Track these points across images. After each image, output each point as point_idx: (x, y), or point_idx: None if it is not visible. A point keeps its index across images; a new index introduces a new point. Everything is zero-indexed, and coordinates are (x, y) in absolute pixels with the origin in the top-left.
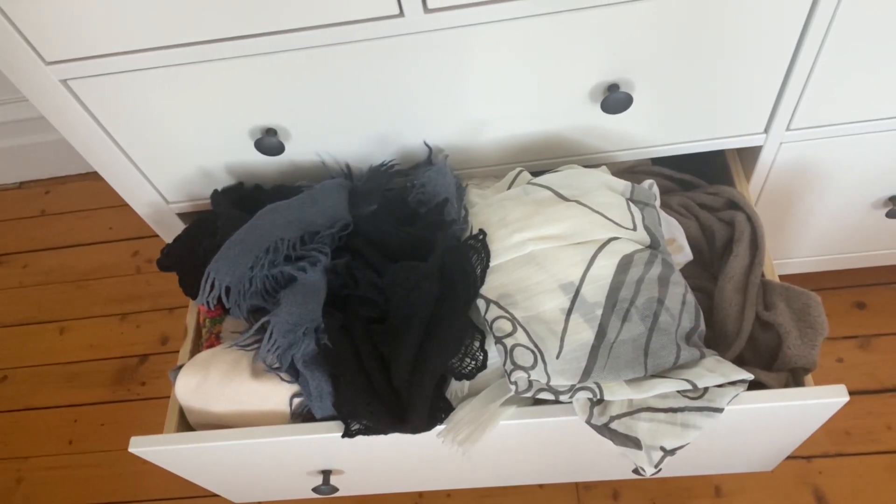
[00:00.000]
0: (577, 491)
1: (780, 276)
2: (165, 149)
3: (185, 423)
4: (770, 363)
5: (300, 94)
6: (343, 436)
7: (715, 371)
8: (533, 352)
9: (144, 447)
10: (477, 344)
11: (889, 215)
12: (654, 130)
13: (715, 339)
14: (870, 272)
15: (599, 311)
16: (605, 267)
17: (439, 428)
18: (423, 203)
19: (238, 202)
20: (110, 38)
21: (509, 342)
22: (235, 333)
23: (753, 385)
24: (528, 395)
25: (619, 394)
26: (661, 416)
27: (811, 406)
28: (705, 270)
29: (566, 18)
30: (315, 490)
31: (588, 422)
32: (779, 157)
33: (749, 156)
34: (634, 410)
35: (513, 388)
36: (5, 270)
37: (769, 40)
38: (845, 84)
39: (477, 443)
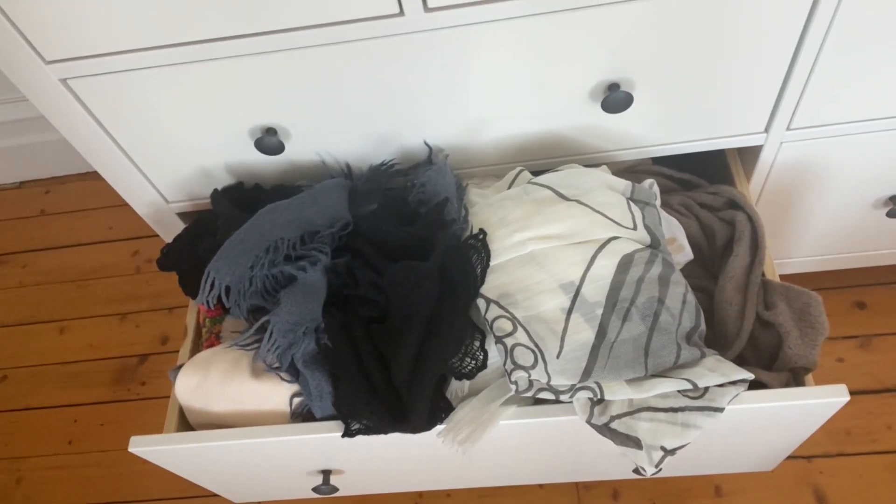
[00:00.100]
0: (577, 491)
1: (781, 276)
2: (165, 148)
3: (185, 423)
4: (770, 363)
5: (300, 93)
6: (343, 436)
7: (715, 371)
8: (533, 351)
9: (144, 447)
10: (477, 343)
11: (889, 215)
12: (655, 130)
13: (715, 338)
14: (870, 272)
15: (600, 311)
16: (606, 266)
17: (439, 428)
18: (424, 202)
19: (238, 202)
20: (110, 38)
21: (509, 342)
22: (235, 333)
23: (754, 385)
24: (529, 394)
25: (619, 393)
26: (662, 415)
27: (811, 406)
28: (706, 270)
29: (567, 18)
30: (315, 490)
31: (588, 421)
32: (779, 157)
33: (749, 155)
34: (635, 410)
35: (513, 387)
36: (5, 270)
37: (770, 40)
38: (846, 84)
39: (477, 443)
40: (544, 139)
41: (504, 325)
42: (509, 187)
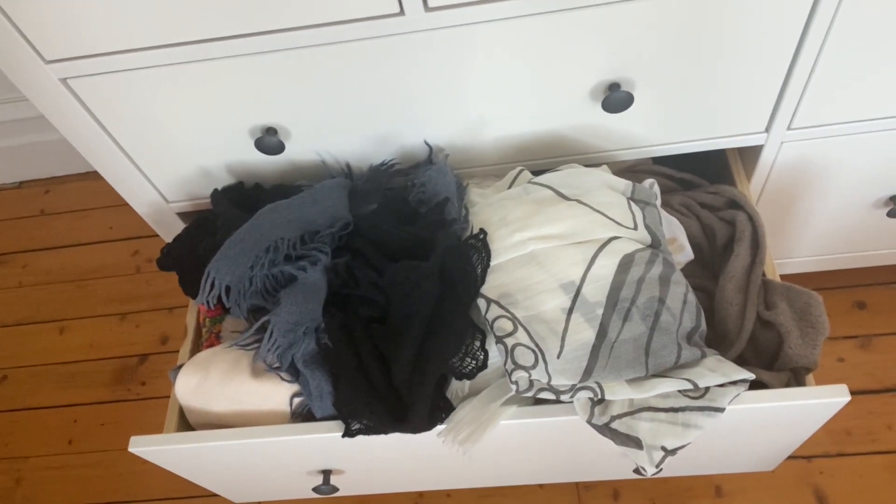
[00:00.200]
0: (577, 491)
1: (781, 276)
2: (165, 148)
3: (185, 423)
4: (771, 363)
5: (300, 93)
6: (343, 436)
7: (716, 371)
8: (534, 351)
9: (144, 447)
10: (477, 343)
11: (890, 215)
12: (655, 130)
13: (716, 338)
14: (870, 272)
15: (600, 311)
16: (606, 266)
17: (439, 428)
18: (424, 202)
19: (238, 201)
20: (110, 37)
21: (510, 342)
22: (235, 333)
23: (754, 385)
24: (529, 394)
25: (620, 393)
26: (663, 415)
27: (812, 406)
28: (706, 270)
29: (567, 17)
30: (315, 490)
31: (589, 421)
32: (780, 157)
33: (750, 155)
34: (635, 410)
35: (513, 387)
36: (5, 270)
37: (770, 40)
38: (846, 84)
39: (477, 443)
40: (544, 139)
41: (504, 325)
42: (509, 187)
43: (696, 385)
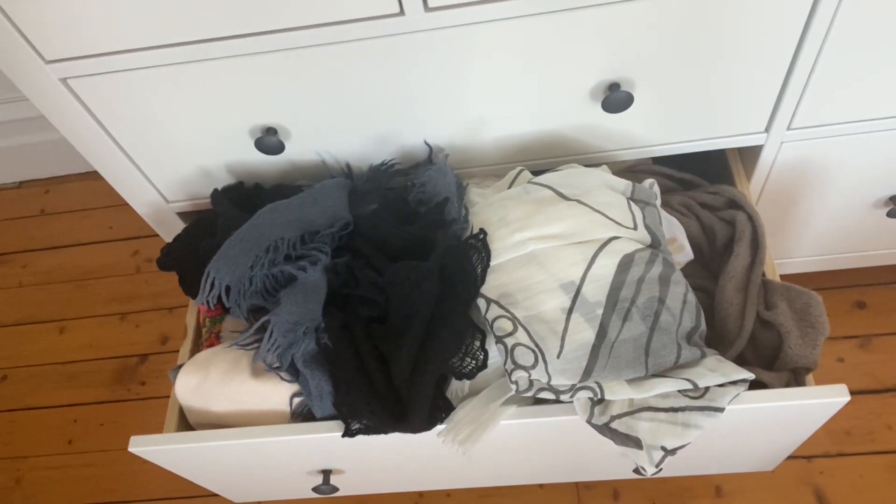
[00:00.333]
0: (577, 491)
1: (781, 276)
2: (165, 148)
3: (185, 423)
4: (771, 363)
5: (300, 93)
6: (343, 435)
7: (716, 370)
8: (534, 351)
9: (144, 447)
10: (477, 343)
11: (889, 215)
12: (655, 130)
13: (716, 338)
14: (870, 272)
15: (600, 311)
16: (606, 266)
17: (439, 427)
18: (424, 202)
19: (238, 201)
20: (110, 37)
21: (510, 341)
22: (235, 333)
23: (754, 385)
24: (529, 394)
25: (619, 393)
26: (662, 415)
27: (812, 406)
28: (706, 270)
29: (567, 17)
30: (315, 490)
31: (589, 421)
32: (780, 157)
33: (750, 155)
34: (635, 410)
35: (513, 387)
36: (5, 270)
37: (770, 40)
38: (846, 83)
39: (477, 442)
40: (544, 139)
41: (504, 325)
42: (509, 187)
43: (695, 385)
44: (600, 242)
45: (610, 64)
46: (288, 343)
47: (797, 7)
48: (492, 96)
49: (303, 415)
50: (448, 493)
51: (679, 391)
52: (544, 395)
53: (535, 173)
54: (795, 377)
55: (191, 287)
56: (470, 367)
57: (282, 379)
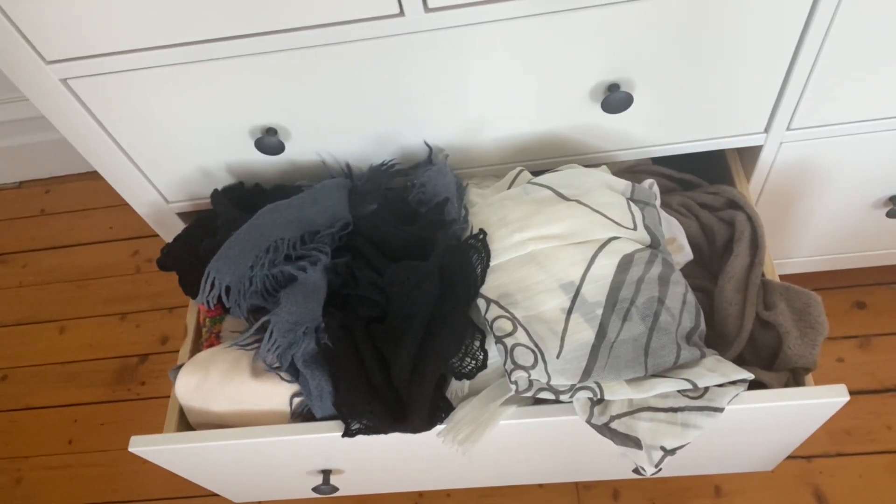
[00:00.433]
0: (577, 491)
1: (781, 276)
2: (165, 148)
3: (185, 423)
4: (770, 363)
5: (300, 93)
6: (343, 435)
7: (715, 371)
8: (533, 351)
9: (144, 447)
10: (477, 343)
11: (889, 215)
12: (655, 130)
13: (715, 338)
14: (870, 272)
15: (600, 311)
16: (606, 266)
17: (439, 427)
18: (424, 202)
19: (238, 201)
20: (110, 38)
21: (509, 342)
22: (235, 333)
23: (754, 385)
24: (529, 394)
25: (619, 393)
26: (662, 415)
27: (811, 406)
28: (705, 270)
29: (567, 18)
30: (315, 490)
31: (588, 421)
32: (779, 157)
33: (749, 155)
34: (635, 410)
35: (513, 387)
36: (5, 270)
37: (769, 40)
38: (846, 84)
39: (477, 442)
40: (544, 139)
41: (504, 325)
42: (509, 187)
43: (695, 385)
44: (600, 243)
45: (609, 64)
46: (288, 343)
47: (797, 7)
48: (492, 96)
49: (303, 415)
50: (448, 493)
51: (678, 391)
52: (544, 395)
53: (535, 173)
54: (795, 377)
55: (191, 287)
56: (470, 368)
57: (282, 379)
